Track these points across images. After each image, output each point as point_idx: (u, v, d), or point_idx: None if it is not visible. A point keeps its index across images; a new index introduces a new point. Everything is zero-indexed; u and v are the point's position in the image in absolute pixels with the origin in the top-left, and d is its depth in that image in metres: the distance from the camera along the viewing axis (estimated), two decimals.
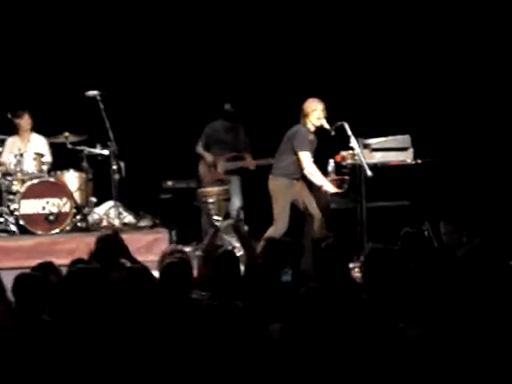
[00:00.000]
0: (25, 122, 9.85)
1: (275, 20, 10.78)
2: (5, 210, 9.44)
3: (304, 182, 8.57)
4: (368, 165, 8.29)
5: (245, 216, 9.76)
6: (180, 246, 8.86)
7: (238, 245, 8.49)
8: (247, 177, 10.01)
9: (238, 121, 10.12)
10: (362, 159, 8.32)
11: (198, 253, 9.30)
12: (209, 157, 10.04)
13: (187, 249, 9.39)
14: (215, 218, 9.53)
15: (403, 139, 8.88)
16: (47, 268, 5.53)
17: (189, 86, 10.85)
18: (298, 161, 8.41)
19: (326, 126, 8.41)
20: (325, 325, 4.10)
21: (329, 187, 8.41)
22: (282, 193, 8.50)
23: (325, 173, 8.55)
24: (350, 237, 8.15)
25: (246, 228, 9.32)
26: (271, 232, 8.34)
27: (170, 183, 10.25)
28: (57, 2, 10.65)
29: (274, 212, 8.52)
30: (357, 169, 8.42)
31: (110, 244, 6.25)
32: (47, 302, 4.64)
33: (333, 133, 8.42)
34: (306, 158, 8.39)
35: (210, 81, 10.78)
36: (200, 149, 10.09)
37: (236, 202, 9.94)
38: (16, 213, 9.35)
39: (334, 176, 8.60)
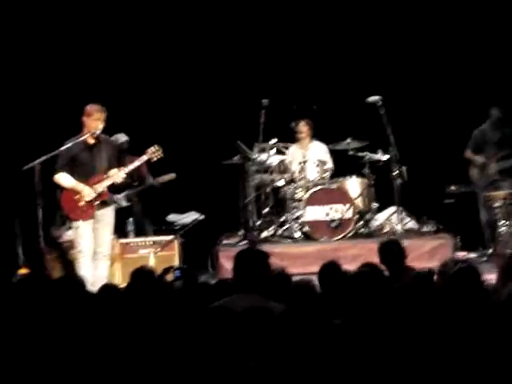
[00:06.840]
0: (301, 129, 10.05)
1: None
2: (290, 216, 9.64)
3: None
4: None
5: None
6: (463, 254, 8.67)
7: None
8: None
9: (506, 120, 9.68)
10: None
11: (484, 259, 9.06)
12: (479, 158, 9.71)
13: (472, 255, 9.16)
14: (501, 222, 9.17)
15: None
16: (332, 268, 5.55)
17: (459, 90, 10.64)
18: None
19: None
20: None
21: None
22: None
23: None
24: None
25: None
26: None
27: (453, 187, 10.01)
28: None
29: None
30: None
31: (397, 249, 6.15)
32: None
33: None
34: None
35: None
36: (468, 153, 9.80)
37: None
38: (300, 219, 9.52)
39: None
